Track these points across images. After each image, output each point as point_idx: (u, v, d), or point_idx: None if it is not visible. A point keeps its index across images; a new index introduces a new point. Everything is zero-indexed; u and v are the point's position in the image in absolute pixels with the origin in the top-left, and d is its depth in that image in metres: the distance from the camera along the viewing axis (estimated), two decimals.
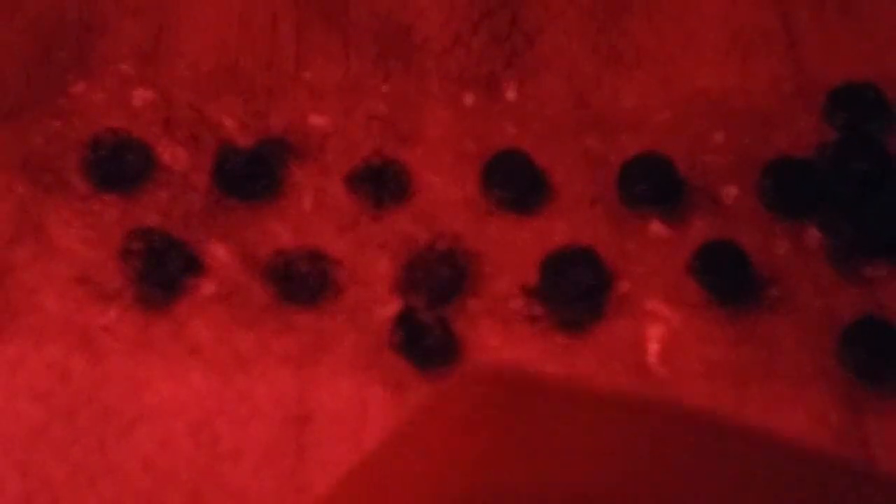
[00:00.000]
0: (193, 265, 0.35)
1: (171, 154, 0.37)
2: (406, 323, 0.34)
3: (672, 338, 0.34)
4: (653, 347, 0.34)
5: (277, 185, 0.37)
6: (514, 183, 0.36)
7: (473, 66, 0.39)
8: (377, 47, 0.39)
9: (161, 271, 0.35)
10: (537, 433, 0.19)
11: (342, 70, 0.39)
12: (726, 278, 0.35)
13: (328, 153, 0.37)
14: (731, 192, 0.37)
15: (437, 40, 0.39)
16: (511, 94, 0.38)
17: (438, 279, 0.35)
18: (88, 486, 0.32)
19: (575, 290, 0.34)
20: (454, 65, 0.39)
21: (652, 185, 0.36)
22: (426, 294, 0.35)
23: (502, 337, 0.34)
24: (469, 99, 0.38)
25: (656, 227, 0.36)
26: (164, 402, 0.33)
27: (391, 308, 0.35)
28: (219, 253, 0.35)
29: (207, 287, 0.35)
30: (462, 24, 0.39)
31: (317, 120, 0.38)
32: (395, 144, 0.38)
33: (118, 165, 0.37)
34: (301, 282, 0.35)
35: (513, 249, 0.36)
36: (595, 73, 0.39)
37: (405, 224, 0.36)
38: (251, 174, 0.36)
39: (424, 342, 0.34)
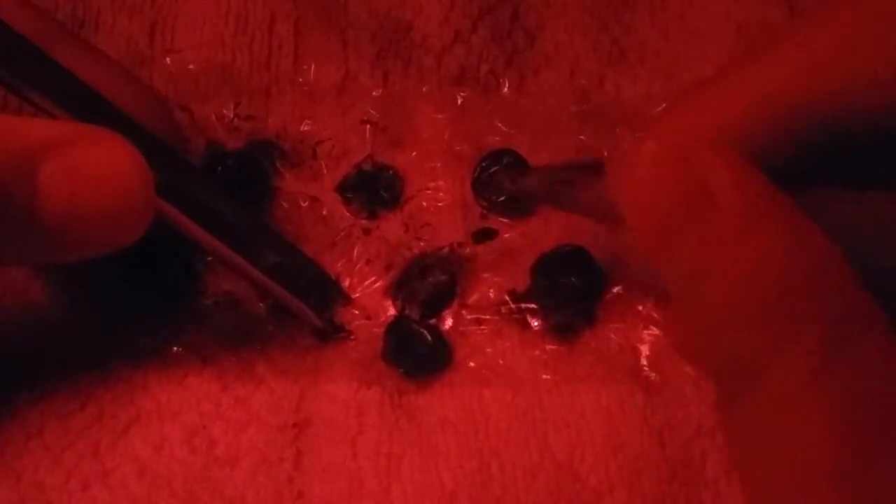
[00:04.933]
0: (190, 273, 0.35)
1: None
2: (397, 331, 0.34)
3: (665, 342, 0.34)
4: (645, 352, 0.34)
5: (269, 191, 0.37)
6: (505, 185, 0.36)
7: (474, 65, 0.39)
8: (376, 47, 0.39)
9: (158, 278, 0.35)
10: None
11: (341, 71, 0.39)
12: None
13: (321, 159, 0.37)
14: None
15: (437, 38, 0.39)
16: (510, 93, 0.38)
17: (431, 287, 0.35)
18: (82, 490, 0.32)
19: (566, 294, 0.34)
20: (454, 63, 0.39)
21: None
22: (419, 302, 0.35)
23: (494, 343, 0.35)
24: (467, 99, 0.38)
25: None
26: (160, 406, 0.34)
27: (385, 316, 0.35)
28: (216, 263, 0.36)
29: (206, 294, 0.35)
30: (462, 22, 0.39)
31: (310, 124, 0.38)
32: (388, 149, 0.38)
33: None
34: None
35: (505, 253, 0.36)
36: (597, 70, 0.39)
37: (398, 231, 0.37)
38: (242, 179, 0.36)
39: (416, 350, 0.34)
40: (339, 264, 0.36)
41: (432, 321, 0.35)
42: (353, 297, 0.36)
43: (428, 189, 0.37)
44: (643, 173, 0.23)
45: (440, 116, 0.38)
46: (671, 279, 0.24)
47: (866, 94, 0.23)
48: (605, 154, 0.26)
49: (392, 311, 0.35)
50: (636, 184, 0.24)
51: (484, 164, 0.37)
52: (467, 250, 0.36)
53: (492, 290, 0.35)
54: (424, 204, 0.37)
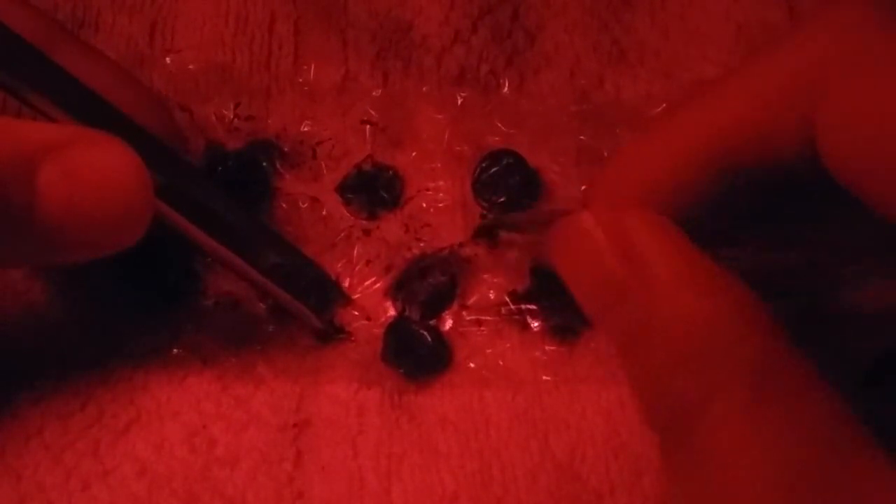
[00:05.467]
0: (190, 273, 0.35)
1: None
2: (397, 332, 0.34)
3: None
4: None
5: (269, 192, 0.37)
6: (506, 186, 0.36)
7: (474, 65, 0.39)
8: (376, 47, 0.39)
9: (158, 278, 0.35)
10: None
11: (341, 71, 0.39)
12: None
13: (321, 159, 0.37)
14: None
15: (437, 38, 0.39)
16: (510, 93, 0.38)
17: (431, 288, 0.35)
18: (82, 490, 0.32)
19: (567, 295, 0.34)
20: (454, 63, 0.39)
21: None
22: (419, 303, 0.35)
23: (494, 344, 0.35)
24: (467, 99, 0.38)
25: None
26: (160, 406, 0.34)
27: (385, 317, 0.35)
28: (216, 265, 0.36)
29: (206, 295, 0.35)
30: (462, 22, 0.39)
31: (310, 125, 0.38)
32: (388, 149, 0.38)
33: None
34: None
35: (506, 254, 0.36)
36: (597, 70, 0.39)
37: (398, 232, 0.36)
38: (242, 180, 0.36)
39: (416, 351, 0.34)
40: (339, 265, 0.36)
41: (432, 322, 0.35)
42: (353, 297, 0.36)
43: (428, 189, 0.37)
44: (581, 247, 0.25)
45: (440, 116, 0.38)
46: (613, 337, 0.26)
47: (772, 150, 0.25)
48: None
49: (392, 312, 0.35)
50: (575, 256, 0.26)
51: (484, 165, 0.37)
52: (467, 251, 0.36)
53: (492, 291, 0.36)
54: (424, 204, 0.37)
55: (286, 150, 0.37)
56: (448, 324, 0.35)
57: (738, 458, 0.22)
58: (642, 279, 0.24)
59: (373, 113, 0.38)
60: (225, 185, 0.36)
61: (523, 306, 0.35)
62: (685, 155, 0.26)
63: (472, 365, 0.35)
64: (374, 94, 0.38)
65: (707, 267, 0.24)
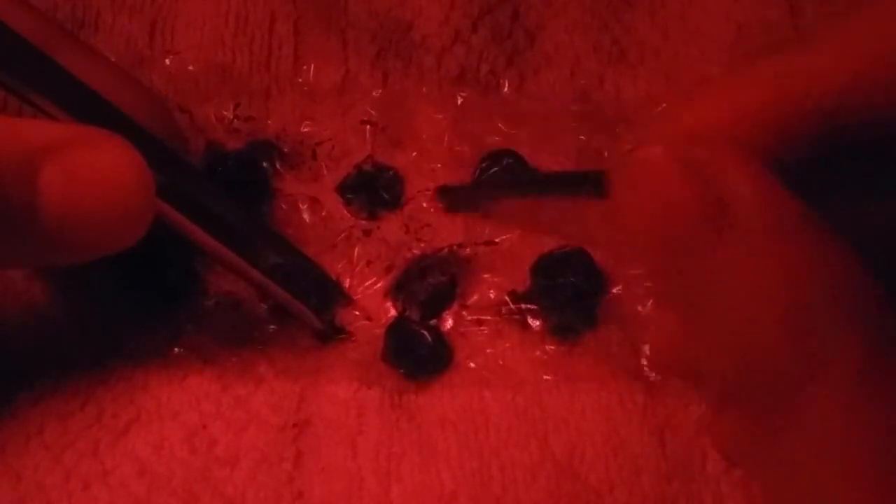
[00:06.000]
0: (190, 273, 0.35)
1: None
2: (398, 332, 0.34)
3: (666, 342, 0.34)
4: (645, 352, 0.34)
5: (269, 192, 0.37)
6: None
7: (474, 65, 0.39)
8: (376, 47, 0.39)
9: (158, 278, 0.35)
10: None
11: (340, 72, 0.39)
12: None
13: (321, 160, 0.37)
14: None
15: (437, 38, 0.39)
16: (510, 93, 0.38)
17: (431, 288, 0.35)
18: (82, 490, 0.32)
19: (566, 294, 0.35)
20: (454, 63, 0.39)
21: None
22: (419, 303, 0.35)
23: (494, 343, 0.35)
24: (467, 99, 0.38)
25: None
26: (161, 405, 0.34)
27: (385, 317, 0.35)
28: (216, 264, 0.36)
29: (207, 295, 0.35)
30: (462, 22, 0.40)
31: (310, 125, 0.38)
32: (388, 149, 0.38)
33: None
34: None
35: (505, 254, 0.36)
36: (597, 70, 0.39)
37: (398, 232, 0.37)
38: (241, 180, 0.36)
39: (416, 351, 0.34)
40: (340, 265, 0.36)
41: (433, 322, 0.35)
42: (353, 298, 0.36)
43: (428, 190, 0.37)
44: (651, 182, 0.22)
45: (440, 116, 0.38)
46: (679, 296, 0.22)
47: (884, 98, 0.22)
48: (597, 166, 0.25)
49: (392, 312, 0.35)
50: (643, 194, 0.22)
51: (484, 165, 0.37)
52: (467, 251, 0.36)
53: (492, 291, 0.36)
54: (425, 205, 0.37)
55: (286, 150, 0.38)
56: (448, 324, 0.35)
57: (850, 442, 0.19)
58: (727, 228, 0.20)
59: (373, 113, 0.38)
60: (225, 186, 0.36)
61: (523, 306, 0.35)
62: (792, 96, 0.22)
63: (472, 365, 0.35)
64: (374, 94, 0.38)
65: (809, 221, 0.20)
